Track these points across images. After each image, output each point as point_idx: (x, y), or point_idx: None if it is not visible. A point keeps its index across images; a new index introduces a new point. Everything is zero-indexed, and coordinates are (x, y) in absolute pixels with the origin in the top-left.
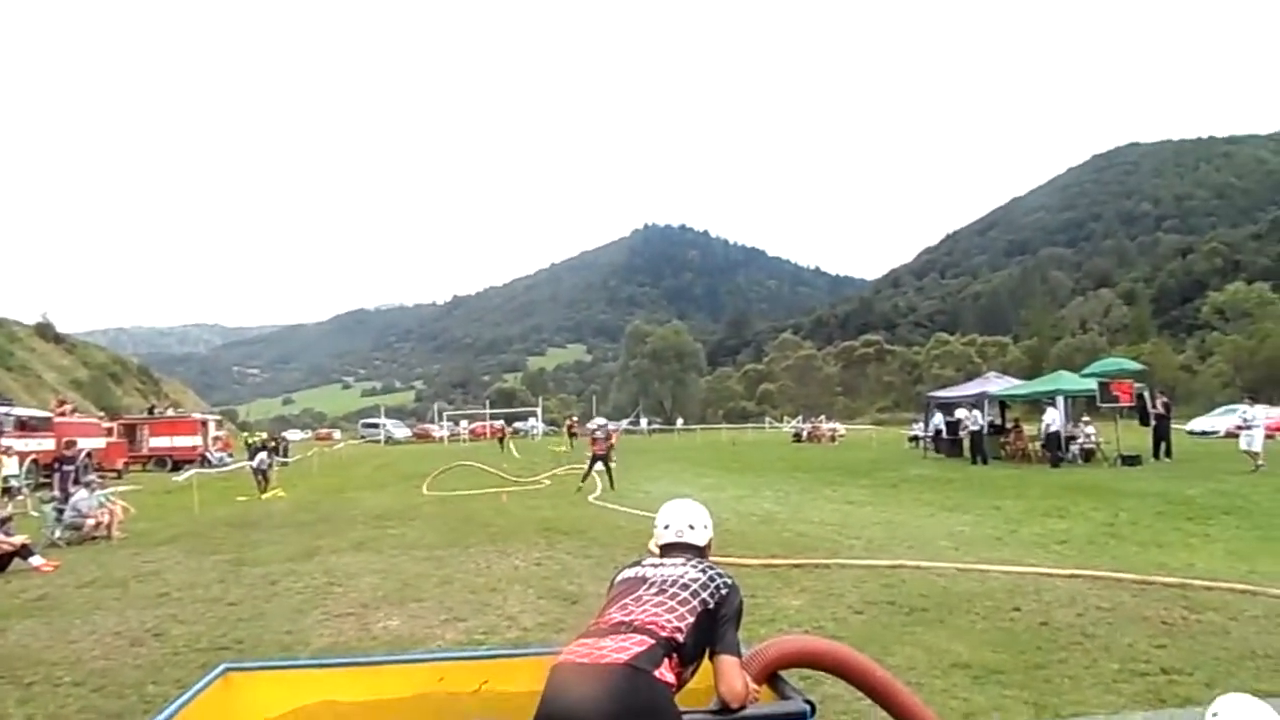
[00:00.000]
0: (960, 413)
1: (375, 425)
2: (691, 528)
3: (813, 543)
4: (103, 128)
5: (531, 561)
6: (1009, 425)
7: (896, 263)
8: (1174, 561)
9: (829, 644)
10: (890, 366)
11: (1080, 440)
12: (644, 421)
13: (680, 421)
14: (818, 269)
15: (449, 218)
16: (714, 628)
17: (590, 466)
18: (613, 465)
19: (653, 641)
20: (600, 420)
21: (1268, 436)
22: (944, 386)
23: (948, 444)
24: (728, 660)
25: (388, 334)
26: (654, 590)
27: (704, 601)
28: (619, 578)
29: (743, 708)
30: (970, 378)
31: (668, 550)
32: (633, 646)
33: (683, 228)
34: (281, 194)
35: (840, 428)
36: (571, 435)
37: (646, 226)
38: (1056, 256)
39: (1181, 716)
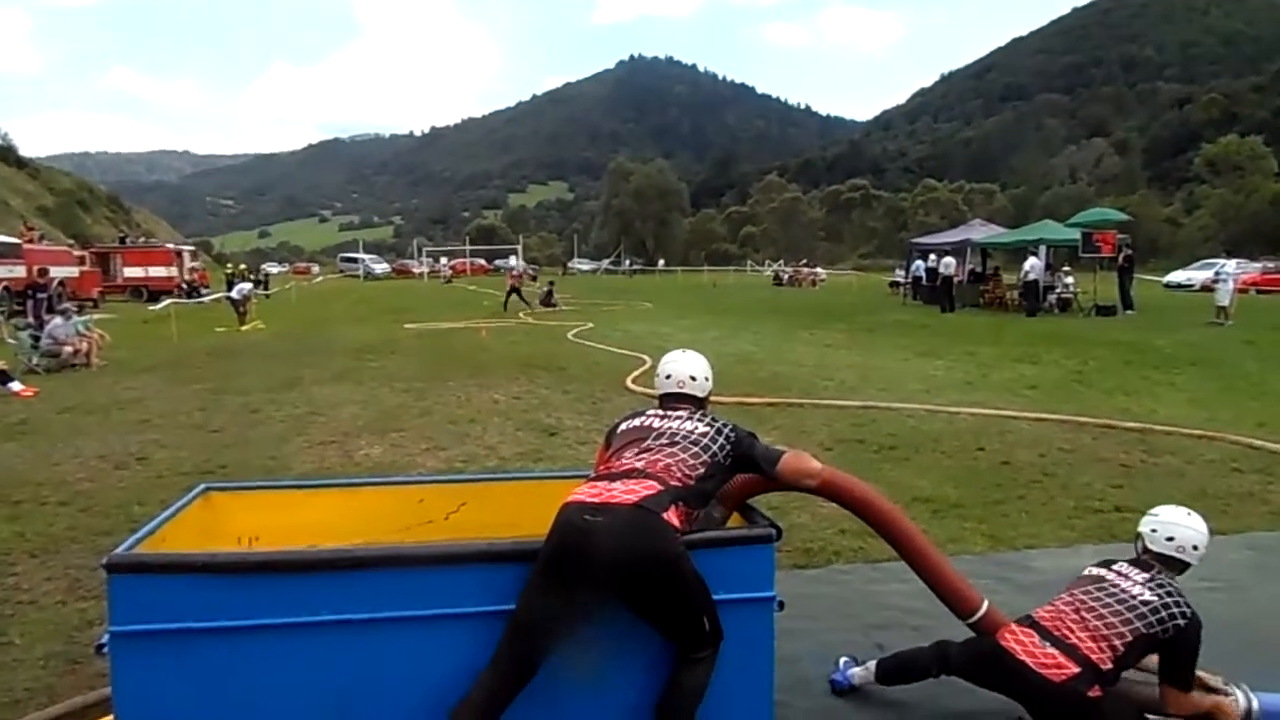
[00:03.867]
0: (934, 259)
1: (354, 260)
2: (693, 379)
3: (787, 383)
4: None
5: (510, 395)
6: (989, 273)
7: (889, 104)
8: (1138, 408)
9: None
10: (876, 212)
11: (1058, 290)
12: (627, 262)
13: (662, 262)
14: (808, 108)
15: (425, 44)
16: (738, 470)
17: (508, 295)
18: (524, 293)
19: (661, 487)
20: (513, 261)
21: (1240, 291)
22: (928, 233)
23: (927, 290)
24: (784, 459)
25: (363, 166)
26: (664, 441)
27: (713, 455)
28: (622, 426)
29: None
30: (955, 225)
31: (668, 401)
32: (642, 490)
33: (670, 60)
34: (252, 15)
35: (821, 272)
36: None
37: (632, 58)
38: (1052, 103)
39: (1130, 550)
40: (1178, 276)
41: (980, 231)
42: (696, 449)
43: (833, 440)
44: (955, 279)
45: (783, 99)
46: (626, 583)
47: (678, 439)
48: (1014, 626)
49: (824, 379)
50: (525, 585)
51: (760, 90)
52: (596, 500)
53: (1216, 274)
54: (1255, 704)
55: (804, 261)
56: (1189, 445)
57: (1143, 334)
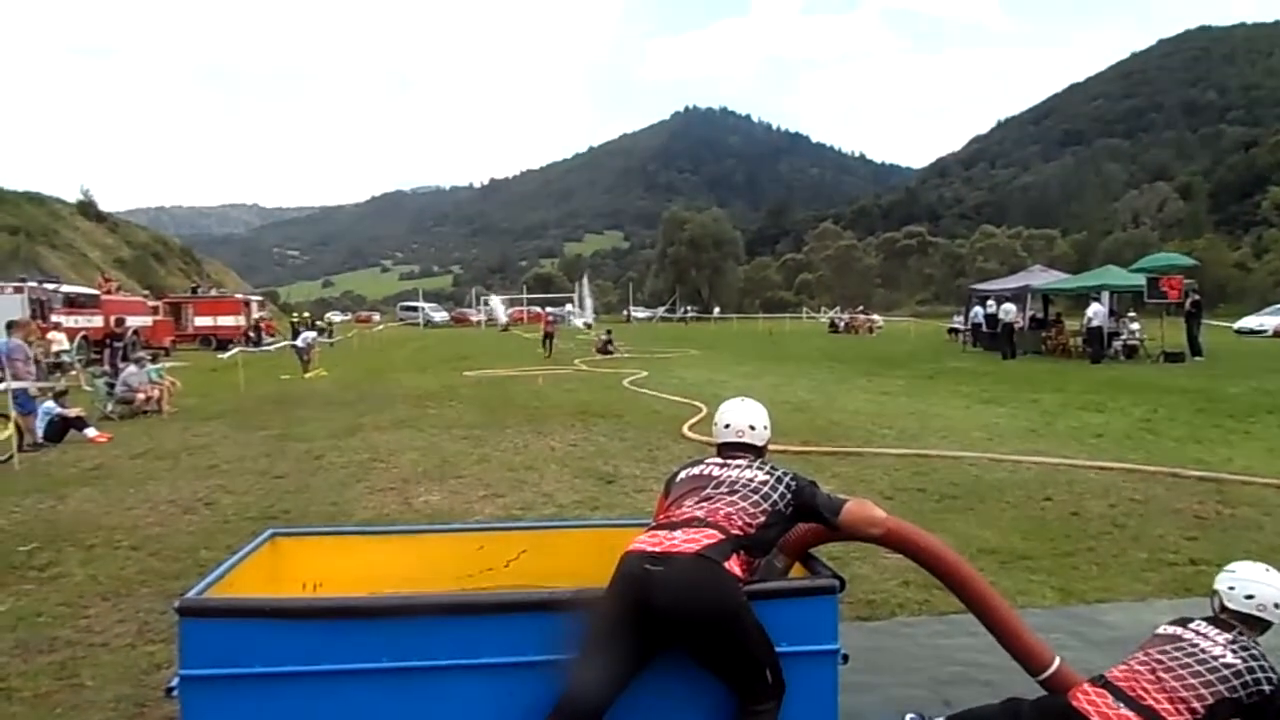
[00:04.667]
0: (994, 305)
1: (414, 308)
2: (752, 428)
3: (846, 431)
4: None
5: (567, 442)
6: (1051, 320)
7: (944, 151)
8: (1211, 457)
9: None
10: (932, 259)
11: (1124, 336)
12: (683, 309)
13: (717, 310)
14: (862, 156)
15: (483, 98)
16: (800, 519)
17: (546, 339)
18: (554, 340)
19: (723, 536)
20: (551, 310)
21: (1277, 334)
22: (987, 280)
23: (987, 337)
24: (847, 507)
25: (424, 217)
26: (724, 489)
27: (774, 504)
28: (682, 475)
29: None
30: (1014, 271)
31: (726, 450)
32: (703, 539)
33: (724, 110)
34: (315, 73)
35: (878, 319)
36: (548, 337)
37: (687, 109)
38: (1112, 148)
39: (1206, 607)
40: (1249, 322)
41: (1041, 278)
42: (757, 497)
43: (893, 489)
44: (1016, 325)
45: (836, 147)
46: (688, 633)
47: (738, 487)
48: (1086, 687)
49: (883, 427)
50: (585, 634)
51: (814, 139)
52: (658, 549)
53: None
54: None
55: (860, 308)
56: (1267, 495)
57: (1214, 381)
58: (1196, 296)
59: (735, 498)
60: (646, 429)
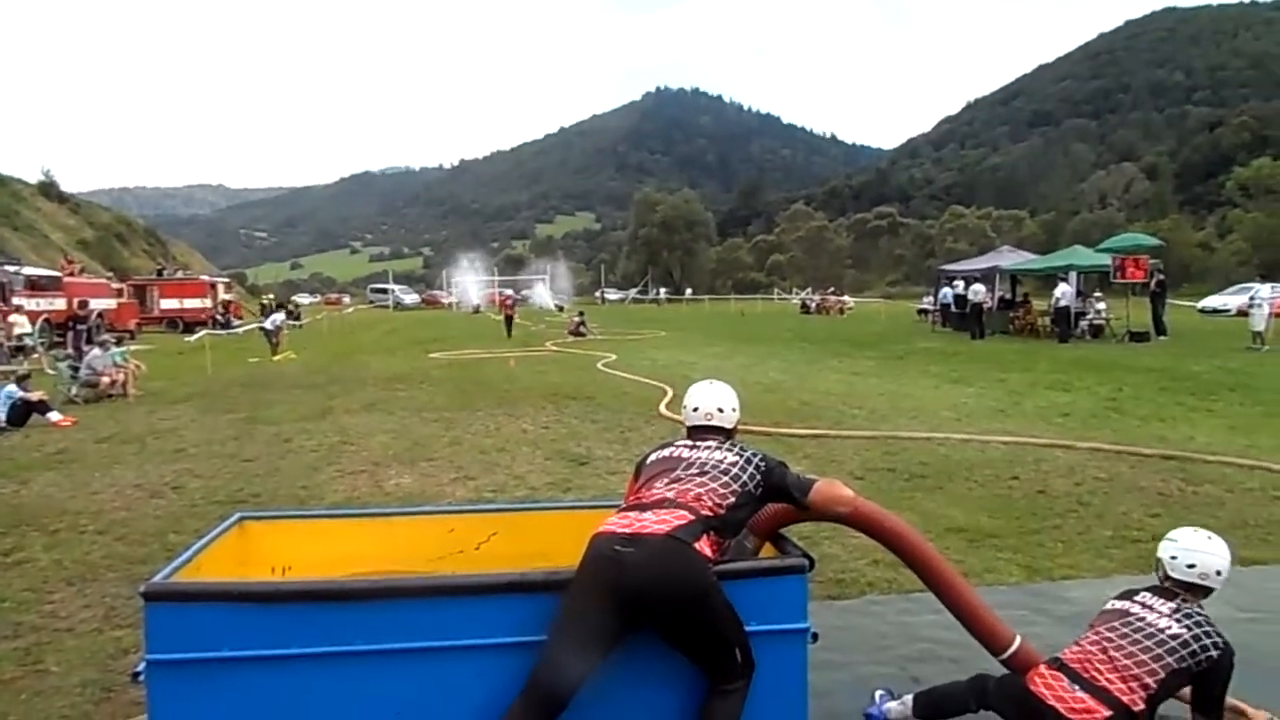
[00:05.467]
0: (963, 285)
1: (384, 290)
2: (720, 410)
3: (817, 412)
4: None
5: (539, 424)
6: (1019, 300)
7: (915, 132)
8: (1175, 435)
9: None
10: (903, 240)
11: (1090, 316)
12: (661, 291)
13: (689, 291)
14: (833, 137)
15: (453, 79)
16: (770, 499)
17: (506, 321)
18: (514, 321)
19: (693, 517)
20: (509, 291)
21: (1276, 315)
22: (957, 260)
23: (956, 318)
24: (817, 487)
25: (394, 198)
26: (694, 471)
27: (743, 484)
28: (652, 457)
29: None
30: (984, 251)
31: (696, 433)
32: (673, 520)
33: (696, 91)
34: (282, 50)
35: (849, 300)
36: (508, 320)
37: (659, 90)
38: (1080, 128)
39: None
40: (1213, 301)
41: (1009, 258)
42: (727, 478)
43: (863, 469)
44: (985, 306)
45: (808, 128)
46: (658, 613)
47: (708, 469)
48: (1043, 669)
49: (853, 407)
50: (556, 616)
51: (786, 120)
52: (628, 531)
53: (1252, 299)
54: None
55: (831, 290)
56: (1229, 474)
57: (1178, 360)
58: (1161, 276)
59: (705, 479)
60: (619, 410)
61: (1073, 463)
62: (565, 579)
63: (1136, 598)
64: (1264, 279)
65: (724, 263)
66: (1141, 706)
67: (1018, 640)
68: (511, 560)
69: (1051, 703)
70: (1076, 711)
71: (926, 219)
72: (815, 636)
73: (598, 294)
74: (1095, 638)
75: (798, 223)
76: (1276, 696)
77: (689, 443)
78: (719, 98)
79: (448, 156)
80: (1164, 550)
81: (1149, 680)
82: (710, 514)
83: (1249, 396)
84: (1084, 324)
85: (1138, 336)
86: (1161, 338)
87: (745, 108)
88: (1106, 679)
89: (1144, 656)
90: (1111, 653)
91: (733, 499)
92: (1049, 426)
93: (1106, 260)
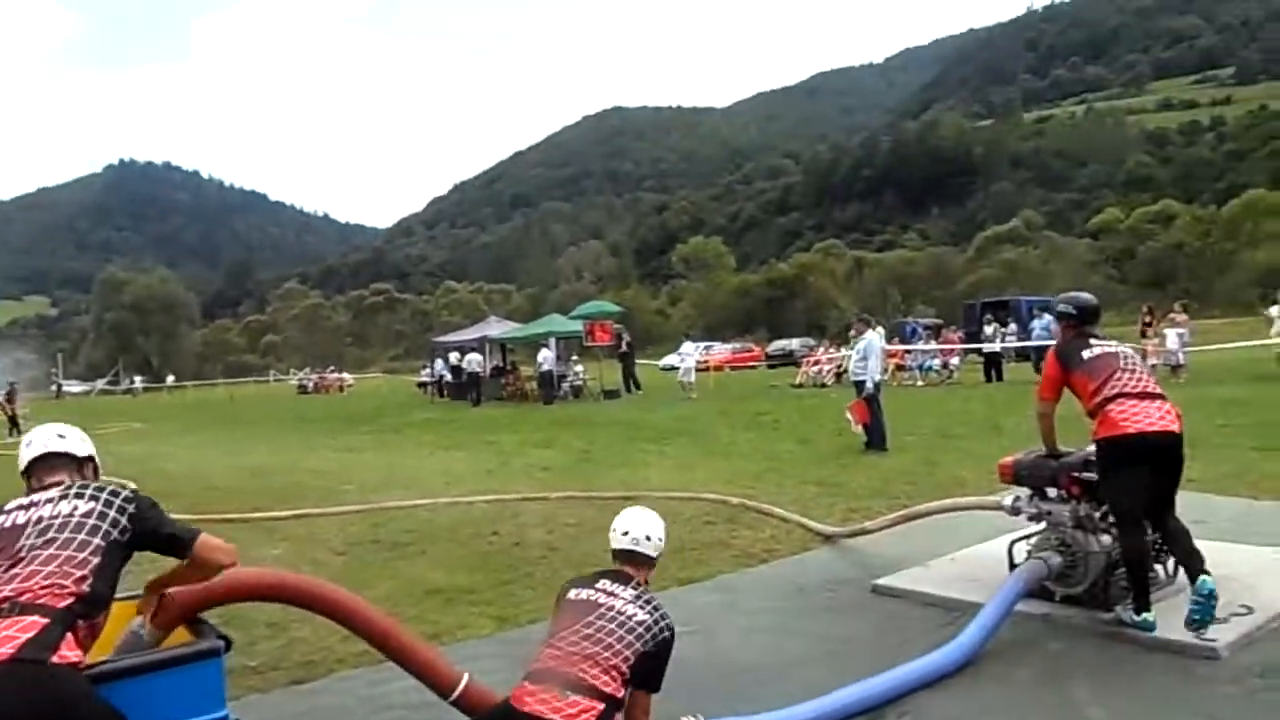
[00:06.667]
0: (453, 356)
1: None
2: (62, 437)
3: (305, 492)
4: None
5: None
6: (508, 368)
7: (407, 211)
8: (635, 478)
9: (271, 574)
10: (401, 315)
11: (570, 378)
12: (137, 380)
13: (171, 378)
14: (326, 215)
15: None
16: (141, 548)
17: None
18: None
19: (45, 620)
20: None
21: (716, 369)
22: (450, 332)
23: (454, 387)
24: (202, 537)
25: None
26: (35, 541)
27: (106, 536)
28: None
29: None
30: (476, 324)
31: (35, 472)
32: (18, 634)
33: (167, 165)
34: None
35: (349, 377)
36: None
37: (123, 163)
38: (555, 210)
39: None
40: (671, 360)
41: (497, 328)
42: (80, 538)
43: (346, 544)
44: (479, 374)
45: (298, 206)
46: None
47: (50, 532)
48: (528, 687)
49: (345, 484)
50: None
51: (273, 197)
52: None
53: (680, 356)
54: None
55: (330, 368)
56: (674, 506)
57: (642, 412)
58: (628, 339)
59: (50, 552)
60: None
61: (547, 512)
62: None
63: (598, 585)
64: (687, 337)
65: (212, 345)
66: (622, 692)
67: (465, 679)
68: None
69: (549, 716)
70: (574, 716)
71: (423, 294)
72: None
73: (52, 387)
74: (573, 636)
75: (292, 301)
76: (706, 698)
77: (21, 502)
78: (195, 173)
79: None
80: (613, 529)
81: (624, 666)
82: (69, 601)
83: (692, 439)
84: (565, 385)
85: (610, 394)
86: (638, 392)
87: (227, 184)
88: (593, 676)
89: (619, 646)
90: (591, 648)
91: (95, 563)
92: (531, 481)
93: (579, 326)
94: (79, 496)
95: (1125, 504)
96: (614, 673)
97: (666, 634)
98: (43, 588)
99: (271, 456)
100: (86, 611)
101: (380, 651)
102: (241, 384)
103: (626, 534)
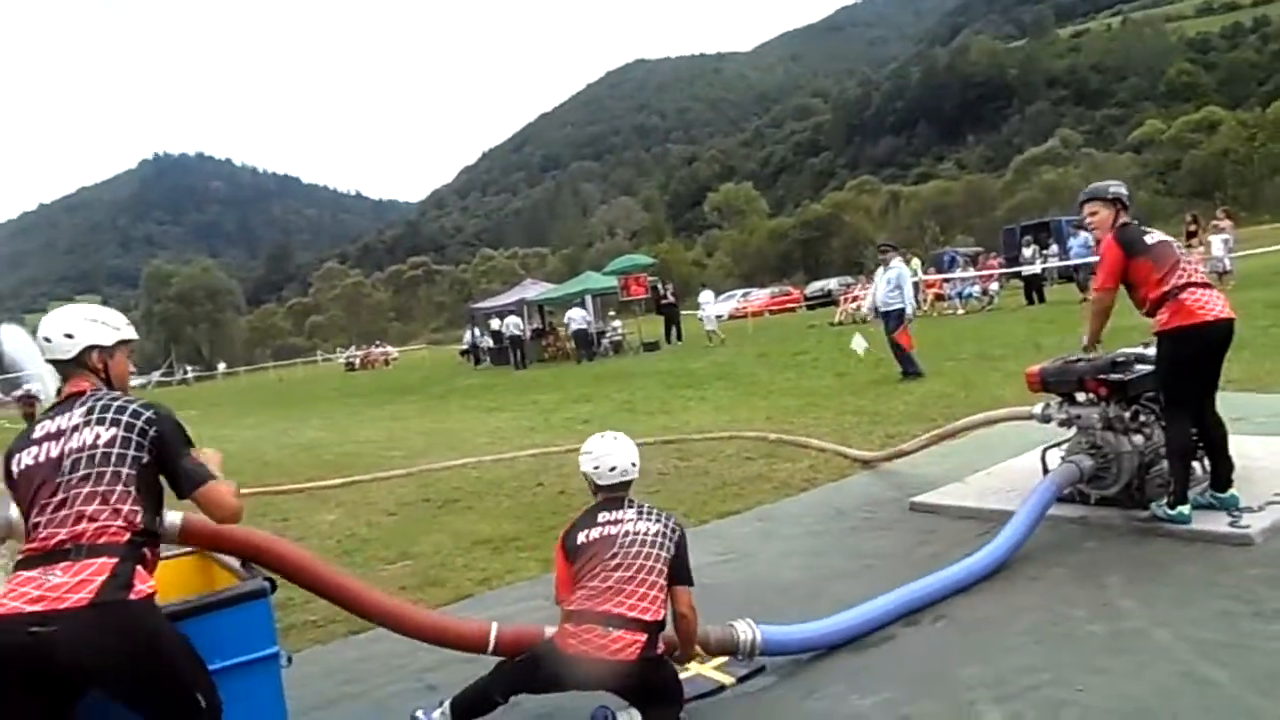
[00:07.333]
0: (494, 322)
1: None
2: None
3: (355, 460)
4: None
5: None
6: (546, 329)
7: (438, 183)
8: (675, 422)
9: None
10: (440, 286)
11: (609, 334)
12: (188, 370)
13: (222, 366)
14: (359, 194)
15: None
16: (161, 473)
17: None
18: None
19: (114, 559)
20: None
21: (756, 315)
22: (486, 299)
23: (495, 352)
24: (212, 483)
25: None
26: (74, 473)
27: (136, 459)
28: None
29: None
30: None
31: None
32: (93, 576)
33: (200, 156)
34: None
35: (394, 351)
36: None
37: (157, 157)
38: (585, 170)
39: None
40: (718, 307)
41: (533, 290)
42: (113, 469)
43: (397, 505)
44: (522, 336)
45: (331, 187)
46: (105, 684)
47: (82, 461)
48: (569, 628)
49: (393, 450)
50: None
51: (306, 180)
52: (37, 608)
53: (700, 304)
54: (758, 634)
55: (376, 344)
56: (714, 446)
57: (681, 362)
58: (672, 289)
59: (88, 482)
60: None
61: None
62: None
63: (600, 519)
64: (705, 287)
65: (259, 331)
66: (661, 614)
67: (493, 629)
68: None
69: (594, 654)
70: (618, 651)
71: (460, 264)
72: (290, 659)
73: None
74: (602, 573)
75: (333, 281)
76: (745, 616)
77: (50, 429)
78: (228, 161)
79: None
80: (585, 464)
81: (659, 583)
82: (127, 535)
83: (731, 383)
84: (606, 342)
85: (650, 347)
86: (679, 343)
87: (260, 170)
88: (629, 606)
89: (649, 563)
90: (624, 584)
91: (134, 492)
92: (572, 435)
93: (614, 282)
94: (100, 422)
95: (1184, 393)
96: (653, 593)
97: (679, 530)
98: (99, 526)
99: (322, 432)
100: (147, 541)
101: (403, 633)
102: (290, 366)
103: (614, 469)
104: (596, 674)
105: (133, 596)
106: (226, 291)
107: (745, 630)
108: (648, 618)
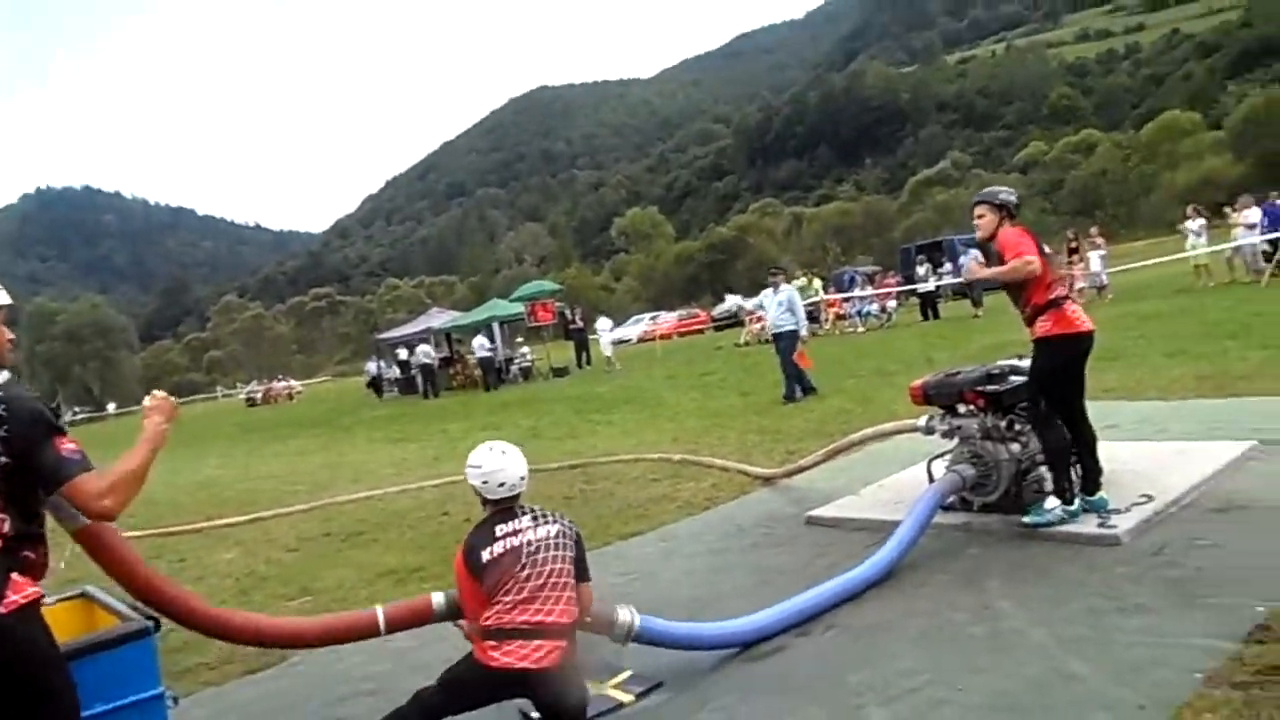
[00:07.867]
0: (401, 351)
1: None
2: None
3: (254, 496)
4: None
5: None
6: (454, 357)
7: (342, 213)
8: (582, 447)
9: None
10: (345, 317)
11: (518, 360)
12: (76, 411)
13: (112, 406)
14: (258, 225)
15: None
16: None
17: None
18: None
19: None
20: None
21: (664, 337)
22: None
23: (403, 383)
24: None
25: None
26: None
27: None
28: None
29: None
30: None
31: None
32: None
33: (87, 189)
34: None
35: (297, 385)
36: None
37: (40, 190)
38: (492, 196)
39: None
40: (619, 333)
41: (439, 319)
42: None
43: (298, 540)
44: (432, 366)
45: (229, 219)
46: None
47: None
48: (489, 644)
49: (295, 485)
50: None
51: (201, 212)
52: None
53: (597, 330)
54: (637, 621)
55: (278, 377)
56: (619, 469)
57: (589, 386)
58: (580, 314)
59: None
60: None
61: None
62: None
63: (499, 531)
64: (601, 315)
65: (153, 368)
66: (577, 612)
67: (379, 612)
68: None
69: (520, 666)
70: (544, 659)
71: (366, 294)
72: (175, 699)
73: None
74: (515, 587)
75: (232, 315)
76: None
77: None
78: (118, 194)
79: None
80: (473, 478)
81: (571, 581)
82: None
83: (638, 406)
84: (515, 368)
85: (559, 372)
86: (585, 369)
87: (152, 203)
88: (547, 612)
89: (557, 565)
90: (542, 591)
91: None
92: None
93: (520, 308)
94: None
95: (1058, 397)
96: (566, 594)
97: (574, 527)
98: None
99: (220, 469)
100: (24, 545)
101: (299, 644)
102: (189, 404)
103: (503, 484)
104: (523, 686)
105: (2, 610)
106: (119, 329)
107: (625, 614)
108: (566, 620)
